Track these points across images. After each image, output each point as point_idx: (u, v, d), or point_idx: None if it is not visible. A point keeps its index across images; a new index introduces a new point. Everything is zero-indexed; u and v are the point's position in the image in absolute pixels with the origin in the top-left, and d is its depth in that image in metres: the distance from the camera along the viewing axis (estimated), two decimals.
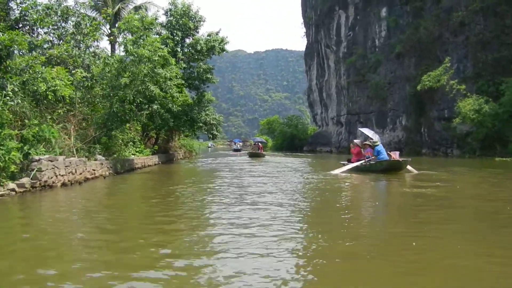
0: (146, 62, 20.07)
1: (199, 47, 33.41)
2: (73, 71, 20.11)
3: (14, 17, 19.58)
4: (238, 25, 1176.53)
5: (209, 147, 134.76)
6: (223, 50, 35.19)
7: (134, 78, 20.25)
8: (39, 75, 15.21)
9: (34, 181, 13.13)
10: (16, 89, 13.87)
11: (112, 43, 24.34)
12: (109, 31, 30.12)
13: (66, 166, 14.79)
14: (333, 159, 32.57)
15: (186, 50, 34.55)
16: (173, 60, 22.95)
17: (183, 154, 44.93)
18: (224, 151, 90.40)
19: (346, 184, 17.19)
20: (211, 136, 37.68)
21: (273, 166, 29.25)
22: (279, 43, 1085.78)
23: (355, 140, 26.42)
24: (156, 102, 23.91)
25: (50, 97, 15.18)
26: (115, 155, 22.15)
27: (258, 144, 54.53)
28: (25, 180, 12.85)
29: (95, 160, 18.48)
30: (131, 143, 26.73)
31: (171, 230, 8.04)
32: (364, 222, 9.20)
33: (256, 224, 8.04)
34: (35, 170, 13.20)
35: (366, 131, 26.13)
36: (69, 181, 15.00)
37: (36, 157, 13.51)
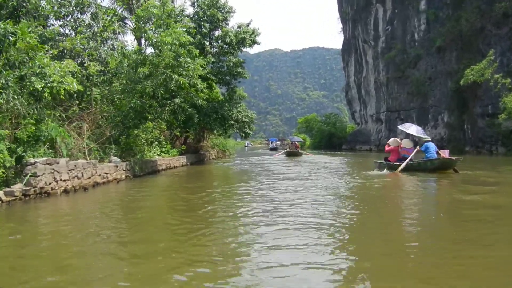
0: (168, 51, 18.80)
1: (228, 40, 31.69)
2: (85, 65, 18.90)
3: (11, 3, 17.81)
4: (274, 23, 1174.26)
5: (245, 146, 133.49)
6: (254, 42, 33.14)
7: (154, 69, 19.00)
8: (37, 69, 13.61)
9: (28, 188, 11.70)
10: (10, 84, 12.49)
11: (138, 38, 22.82)
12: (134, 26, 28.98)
13: (70, 170, 13.42)
14: (373, 158, 31.00)
15: (214, 43, 33.06)
16: (196, 51, 21.10)
17: (215, 154, 43.46)
18: (261, 150, 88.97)
19: (391, 187, 15.82)
20: (243, 134, 35.69)
21: (310, 166, 27.83)
22: (316, 41, 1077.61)
23: (394, 139, 24.84)
24: (178, 96, 22.39)
25: (46, 94, 13.51)
26: (137, 156, 21.09)
27: (295, 143, 54.21)
28: (16, 187, 11.39)
29: (109, 162, 17.12)
30: (156, 143, 25.62)
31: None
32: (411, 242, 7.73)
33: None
34: (28, 175, 11.79)
35: (410, 129, 24.49)
36: (73, 187, 13.55)
37: (32, 160, 12.08)
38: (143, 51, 20.36)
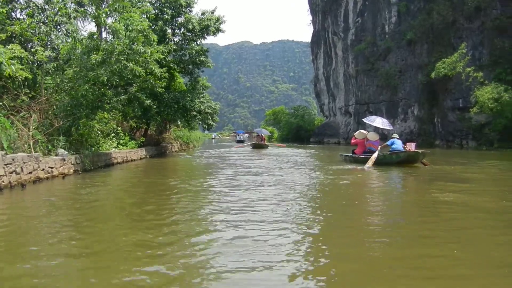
0: (122, 38, 17.22)
1: (191, 26, 29.76)
2: (32, 50, 17.17)
3: None
4: (244, 16, 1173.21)
5: (213, 138, 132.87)
6: (218, 30, 31.13)
7: (108, 56, 17.16)
8: None
9: None
10: None
11: (98, 24, 20.79)
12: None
13: (6, 164, 11.64)
14: (341, 151, 29.96)
15: (177, 30, 31.11)
16: (154, 37, 19.16)
17: (178, 147, 41.56)
18: (229, 142, 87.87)
19: (358, 184, 14.59)
20: (205, 126, 33.73)
21: (276, 159, 26.49)
22: (286, 34, 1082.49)
23: (359, 131, 24.21)
24: (135, 85, 20.51)
25: None
26: (93, 148, 19.59)
27: (261, 135, 53.14)
28: None
29: (56, 155, 15.34)
30: (113, 134, 23.96)
31: None
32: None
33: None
34: None
35: (375, 121, 23.96)
36: (9, 183, 11.71)
37: None
38: (95, 36, 18.37)
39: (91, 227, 7.42)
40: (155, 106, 26.25)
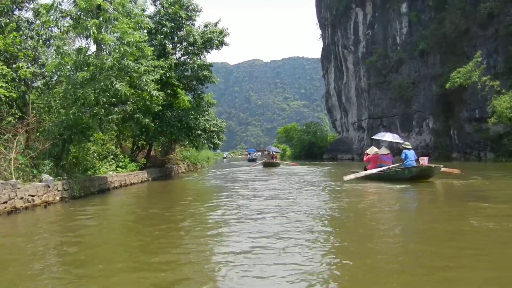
0: (112, 52, 15.73)
1: (192, 39, 28.11)
2: (14, 66, 15.64)
3: None
4: (254, 34, 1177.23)
5: (224, 157, 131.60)
6: (222, 43, 29.39)
7: (97, 72, 15.54)
8: None
9: None
10: None
11: (98, 42, 18.87)
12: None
13: None
14: (355, 167, 28.36)
15: (177, 44, 29.35)
16: (149, 50, 17.43)
17: (185, 168, 39.60)
18: (240, 161, 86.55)
19: (370, 205, 13.21)
20: (211, 145, 31.72)
21: (287, 179, 24.79)
22: (295, 51, 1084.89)
23: (371, 147, 23.97)
24: (129, 103, 18.02)
25: None
26: (88, 172, 18.18)
27: (272, 153, 52.07)
28: None
29: (40, 181, 13.71)
30: (112, 156, 22.50)
31: None
32: None
33: None
34: None
35: (386, 136, 23.91)
36: None
37: None
38: (85, 50, 16.64)
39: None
40: (155, 126, 24.76)
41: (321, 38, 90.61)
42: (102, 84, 15.07)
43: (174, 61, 27.30)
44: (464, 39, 46.12)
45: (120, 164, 23.23)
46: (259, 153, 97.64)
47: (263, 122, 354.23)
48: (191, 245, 7.87)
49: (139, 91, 17.15)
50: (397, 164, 21.31)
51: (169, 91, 27.26)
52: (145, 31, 21.76)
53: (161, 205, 14.20)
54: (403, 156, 20.44)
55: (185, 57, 29.33)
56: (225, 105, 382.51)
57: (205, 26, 29.47)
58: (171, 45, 28.28)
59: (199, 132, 28.15)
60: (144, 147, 29.57)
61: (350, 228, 9.47)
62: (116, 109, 17.09)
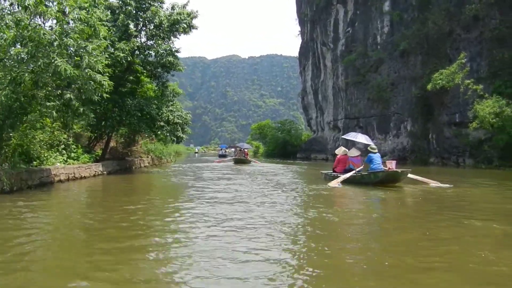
0: (54, 26, 13.51)
1: (157, 21, 25.49)
2: None
3: None
4: (233, 30, 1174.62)
5: (196, 152, 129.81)
6: (190, 26, 26.77)
7: (35, 49, 13.19)
8: None
9: None
10: None
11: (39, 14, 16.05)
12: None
13: None
14: (328, 168, 26.61)
15: (142, 26, 26.66)
16: (103, 29, 14.87)
17: (149, 161, 37.53)
18: (212, 157, 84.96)
19: (338, 212, 11.69)
20: (174, 138, 28.91)
21: (253, 179, 22.98)
22: (274, 49, 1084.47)
23: (340, 147, 23.66)
24: (73, 88, 15.21)
25: None
26: (34, 162, 16.06)
27: (243, 150, 51.92)
28: None
29: None
30: (62, 146, 20.27)
31: None
32: None
33: None
34: None
35: (358, 137, 23.03)
36: None
37: None
38: (25, 24, 14.06)
39: None
40: (113, 114, 22.63)
41: (299, 35, 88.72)
42: (40, 62, 12.81)
43: (137, 44, 24.84)
44: (447, 41, 44.55)
45: (72, 155, 20.97)
46: (232, 149, 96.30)
47: (238, 118, 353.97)
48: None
49: (85, 74, 14.51)
50: (361, 168, 20.60)
51: (131, 77, 25.12)
52: (107, 10, 19.70)
53: (95, 208, 11.99)
54: (367, 160, 19.93)
55: (151, 41, 26.76)
56: (201, 100, 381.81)
57: (172, 7, 26.86)
58: (134, 27, 25.90)
59: (162, 123, 25.74)
60: (102, 137, 27.24)
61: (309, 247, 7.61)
62: (59, 91, 14.63)
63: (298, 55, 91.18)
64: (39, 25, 13.62)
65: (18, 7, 13.77)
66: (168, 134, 26.87)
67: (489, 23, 40.31)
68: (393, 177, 18.90)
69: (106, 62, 16.58)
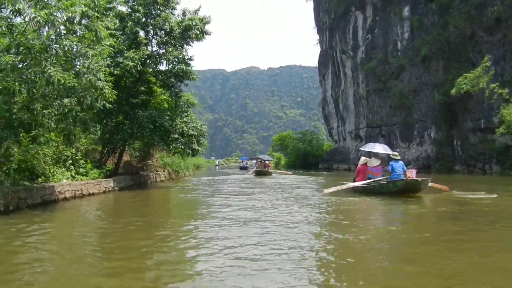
0: (48, 29, 12.62)
1: (168, 27, 24.05)
2: None
3: None
4: (251, 41, 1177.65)
5: (216, 165, 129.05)
6: (203, 33, 25.30)
7: (25, 56, 12.12)
8: None
9: None
10: None
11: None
12: None
13: None
14: (349, 178, 25.50)
15: (151, 32, 25.28)
16: (103, 31, 13.78)
17: (165, 176, 36.13)
18: (233, 169, 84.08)
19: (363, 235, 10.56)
20: (189, 151, 26.47)
21: (274, 194, 21.78)
22: (293, 59, 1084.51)
23: (362, 157, 22.55)
24: (73, 96, 13.64)
25: None
26: (39, 179, 15.29)
27: (264, 162, 51.64)
28: None
29: None
30: (70, 161, 19.40)
31: None
32: None
33: None
34: None
35: (375, 147, 22.51)
36: None
37: None
38: (20, 29, 13.11)
39: None
40: (125, 127, 21.80)
41: (318, 43, 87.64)
42: (30, 70, 11.95)
43: (147, 53, 23.76)
44: (469, 45, 43.56)
45: (81, 170, 20.09)
46: (254, 161, 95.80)
47: (259, 130, 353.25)
48: None
49: (84, 80, 13.50)
50: (384, 177, 19.87)
51: (143, 88, 24.28)
52: (116, 19, 18.94)
53: (95, 232, 10.86)
54: (389, 168, 19.24)
55: (162, 50, 25.47)
56: (221, 112, 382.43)
57: (183, 13, 25.58)
58: (144, 35, 24.88)
59: (176, 136, 24.57)
60: (114, 151, 26.36)
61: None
62: (57, 102, 13.63)
63: (317, 64, 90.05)
64: (34, 30, 12.71)
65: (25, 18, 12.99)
66: (182, 147, 25.32)
67: None
68: (412, 187, 18.24)
69: (116, 72, 15.81)
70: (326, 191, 19.27)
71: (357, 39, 65.49)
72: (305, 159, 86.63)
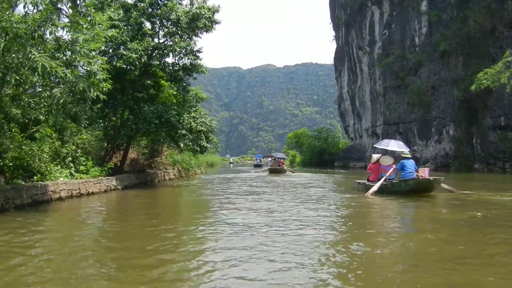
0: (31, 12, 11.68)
1: (174, 17, 22.88)
2: None
3: None
4: (268, 39, 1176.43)
5: (230, 163, 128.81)
6: (212, 22, 24.15)
7: (13, 42, 11.12)
8: None
9: None
10: None
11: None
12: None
13: None
14: (365, 177, 24.42)
15: (159, 24, 24.24)
16: (100, 17, 12.65)
17: (175, 173, 35.07)
18: (247, 167, 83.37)
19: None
20: (198, 148, 25.49)
21: (289, 191, 21.25)
22: (309, 57, 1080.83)
23: (372, 155, 22.37)
24: (63, 87, 12.60)
25: None
26: (35, 177, 14.42)
27: (278, 159, 51.09)
28: None
29: None
30: (69, 158, 18.45)
31: None
32: None
33: None
34: None
35: (390, 145, 21.42)
36: None
37: None
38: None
39: None
40: (129, 122, 20.92)
41: (334, 40, 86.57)
42: (13, 55, 11.00)
43: (152, 44, 22.77)
44: (490, 40, 42.31)
45: (81, 168, 19.16)
46: (269, 159, 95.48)
47: (275, 128, 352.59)
48: None
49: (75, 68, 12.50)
50: (392, 175, 19.53)
51: (149, 81, 23.32)
52: (120, 9, 18.08)
53: (85, 241, 9.65)
54: (399, 167, 19.04)
55: (169, 41, 24.44)
56: (237, 110, 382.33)
57: (191, 2, 24.56)
58: (150, 26, 23.85)
59: (184, 131, 23.52)
60: (120, 148, 25.42)
61: None
62: (46, 93, 12.64)
63: (333, 61, 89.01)
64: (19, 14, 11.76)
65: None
66: (190, 144, 24.23)
67: None
68: (425, 186, 17.88)
69: (118, 64, 14.92)
70: (369, 194, 18.28)
71: (374, 34, 64.26)
72: (321, 156, 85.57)
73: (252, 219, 11.83)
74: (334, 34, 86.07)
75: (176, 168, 35.72)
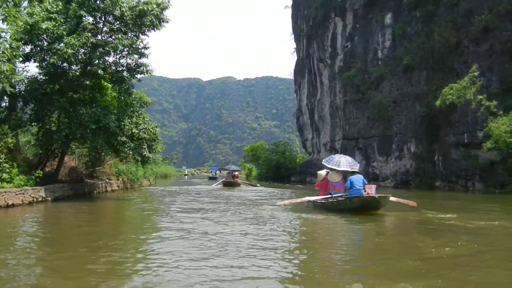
0: None
1: (118, 12, 20.51)
2: None
3: None
4: (228, 52, 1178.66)
5: (185, 175, 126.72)
6: (160, 19, 21.97)
7: None
8: None
9: None
10: None
11: None
12: None
13: None
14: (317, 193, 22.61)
15: (102, 19, 21.71)
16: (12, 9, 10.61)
17: (119, 185, 32.54)
18: (201, 179, 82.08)
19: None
20: (139, 158, 23.21)
21: (239, 208, 19.21)
22: (269, 71, 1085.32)
23: (318, 172, 21.48)
24: None
25: None
26: None
27: (232, 172, 50.46)
28: None
29: None
30: None
31: None
32: None
33: None
34: None
35: (341, 164, 19.85)
36: None
37: None
38: None
39: None
40: (62, 126, 18.66)
41: (295, 52, 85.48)
42: None
43: (92, 40, 20.38)
44: (455, 55, 41.32)
45: (4, 176, 16.65)
46: (225, 171, 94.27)
47: (233, 141, 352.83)
48: None
49: None
50: (344, 194, 18.14)
51: (87, 82, 21.00)
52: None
53: None
54: (347, 184, 17.89)
55: (111, 38, 22.15)
56: (195, 121, 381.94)
57: None
58: (92, 21, 21.46)
59: (124, 139, 21.13)
60: (55, 154, 22.86)
61: None
62: None
63: (293, 73, 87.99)
64: None
65: None
66: (131, 152, 21.83)
67: (500, 36, 37.71)
68: (370, 204, 17.05)
69: (52, 60, 12.68)
70: (280, 202, 18.72)
71: (336, 46, 63.10)
72: (278, 171, 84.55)
73: (188, 248, 9.50)
74: (295, 46, 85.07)
75: (120, 179, 33.16)
